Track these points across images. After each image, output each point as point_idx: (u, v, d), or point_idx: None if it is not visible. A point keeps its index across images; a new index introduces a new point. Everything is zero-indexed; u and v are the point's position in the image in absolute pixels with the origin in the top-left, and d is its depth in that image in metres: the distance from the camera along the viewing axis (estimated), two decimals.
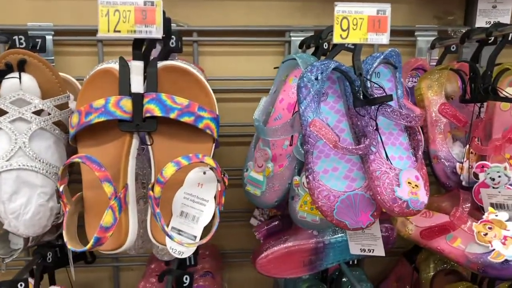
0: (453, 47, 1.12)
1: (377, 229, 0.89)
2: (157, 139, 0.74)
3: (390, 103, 0.76)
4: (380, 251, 0.91)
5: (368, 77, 0.77)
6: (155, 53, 0.99)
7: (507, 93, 0.91)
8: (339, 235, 0.96)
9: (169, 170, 0.68)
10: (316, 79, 0.74)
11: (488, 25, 1.05)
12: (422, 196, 0.74)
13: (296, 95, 0.77)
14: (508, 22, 1.09)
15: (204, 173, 0.74)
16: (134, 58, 0.72)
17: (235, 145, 1.18)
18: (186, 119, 0.72)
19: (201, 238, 0.73)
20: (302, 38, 1.09)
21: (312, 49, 1.02)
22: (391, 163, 0.75)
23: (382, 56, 0.79)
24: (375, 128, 0.76)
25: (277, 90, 0.96)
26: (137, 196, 0.81)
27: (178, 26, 1.11)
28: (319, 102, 0.76)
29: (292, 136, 0.89)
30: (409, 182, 0.73)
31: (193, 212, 0.73)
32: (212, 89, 1.12)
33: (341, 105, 0.80)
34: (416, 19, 1.19)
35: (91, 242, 0.66)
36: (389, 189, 0.72)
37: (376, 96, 0.75)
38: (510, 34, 0.91)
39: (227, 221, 1.21)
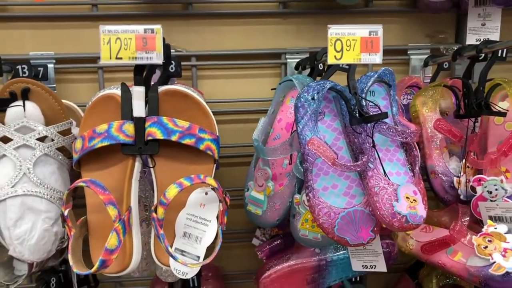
0: (445, 64, 1.15)
1: (378, 245, 0.90)
2: (159, 162, 0.75)
3: (385, 120, 0.78)
4: (382, 267, 0.92)
5: (363, 95, 0.79)
6: (155, 78, 1.03)
7: (500, 107, 0.93)
8: (341, 252, 0.96)
9: (172, 191, 0.69)
10: (313, 99, 0.76)
11: (478, 42, 1.09)
12: (421, 210, 0.75)
13: (294, 114, 0.79)
14: (498, 39, 1.12)
15: (206, 193, 0.76)
16: (136, 84, 0.74)
17: (235, 166, 1.19)
18: (188, 141, 0.73)
19: (204, 259, 0.74)
20: (298, 60, 1.12)
21: (307, 70, 1.05)
22: (389, 179, 0.77)
23: (376, 75, 0.81)
24: (372, 145, 0.77)
25: (275, 111, 0.98)
26: (140, 218, 0.82)
27: (177, 51, 1.13)
28: (316, 121, 0.78)
29: (291, 155, 0.91)
30: (407, 197, 0.75)
31: (196, 233, 0.75)
32: (212, 112, 1.16)
33: (338, 124, 0.82)
34: (408, 38, 1.22)
35: (97, 264, 0.67)
36: (388, 204, 0.74)
37: (371, 114, 0.77)
38: (499, 51, 0.93)
39: (228, 242, 1.22)
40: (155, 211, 0.71)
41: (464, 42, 1.19)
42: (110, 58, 0.70)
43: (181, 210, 0.76)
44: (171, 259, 0.72)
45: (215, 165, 0.78)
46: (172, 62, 0.99)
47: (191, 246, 0.74)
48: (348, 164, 0.74)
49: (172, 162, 0.76)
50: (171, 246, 0.75)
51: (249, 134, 0.97)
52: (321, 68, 1.02)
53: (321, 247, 0.94)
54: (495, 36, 1.10)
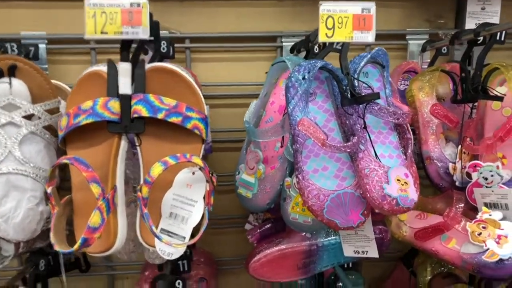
0: (444, 49, 1.12)
1: (370, 231, 0.88)
2: (146, 140, 0.74)
3: (378, 101, 0.77)
4: (374, 253, 0.91)
5: (356, 76, 0.78)
6: (147, 59, 1.01)
7: (498, 92, 0.91)
8: (333, 237, 0.95)
9: (156, 169, 0.68)
10: (304, 78, 0.74)
11: (474, 28, 1.06)
12: (412, 194, 0.73)
13: (285, 95, 0.77)
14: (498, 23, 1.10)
15: (193, 173, 0.74)
16: (122, 60, 0.72)
17: (228, 151, 1.18)
18: (174, 119, 0.72)
19: (190, 239, 0.73)
20: (292, 44, 1.10)
21: (303, 54, 1.03)
22: (380, 161, 0.75)
23: (369, 55, 0.79)
24: (363, 126, 0.76)
25: (268, 93, 0.97)
26: (128, 199, 0.81)
27: (170, 33, 1.12)
28: (307, 101, 0.76)
29: (283, 138, 0.89)
30: (398, 180, 0.73)
31: (182, 213, 0.73)
32: (205, 95, 1.13)
33: (329, 105, 0.80)
34: (407, 23, 1.20)
35: (78, 242, 0.66)
36: (378, 186, 0.72)
37: (364, 94, 0.75)
38: (498, 34, 0.91)
39: (221, 227, 1.21)
40: (141, 190, 0.70)
41: (464, 28, 1.17)
42: (95, 32, 0.68)
43: (167, 190, 0.74)
44: (156, 239, 0.71)
45: (203, 145, 0.76)
46: (163, 42, 0.97)
47: (177, 226, 0.73)
48: (338, 145, 0.73)
49: (158, 141, 0.74)
50: (157, 227, 0.73)
51: (243, 118, 0.96)
52: (316, 51, 1.00)
53: (312, 231, 0.93)
54: (494, 20, 1.08)
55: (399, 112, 0.77)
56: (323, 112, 0.80)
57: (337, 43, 0.79)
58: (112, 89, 0.72)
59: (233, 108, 1.18)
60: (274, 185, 0.88)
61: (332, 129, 0.79)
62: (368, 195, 0.73)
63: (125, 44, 0.71)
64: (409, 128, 0.81)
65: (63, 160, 0.69)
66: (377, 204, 0.72)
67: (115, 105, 0.71)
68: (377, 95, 0.73)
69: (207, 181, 0.73)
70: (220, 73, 1.16)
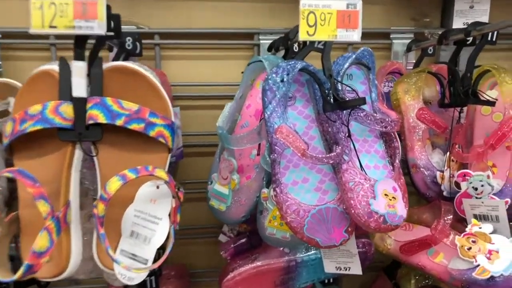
0: (430, 50, 1.06)
1: (353, 245, 0.81)
2: (103, 150, 0.65)
3: (363, 107, 0.70)
4: (357, 269, 0.84)
5: (339, 78, 0.70)
6: (111, 56, 0.92)
7: (489, 96, 0.85)
8: (312, 252, 0.88)
9: (113, 185, 0.59)
10: (282, 81, 0.67)
11: (465, 26, 1.01)
12: (401, 210, 0.67)
13: (261, 99, 0.69)
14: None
15: (158, 187, 0.66)
16: (76, 58, 0.63)
17: (201, 156, 1.10)
18: (135, 126, 0.63)
19: (154, 262, 0.65)
20: (270, 42, 1.02)
21: (282, 53, 0.96)
22: (365, 173, 0.68)
23: (354, 56, 0.72)
24: (347, 134, 0.69)
25: (244, 95, 0.89)
26: (88, 213, 0.73)
27: (138, 28, 1.02)
28: (286, 106, 0.68)
29: (259, 145, 0.82)
30: (385, 194, 0.66)
31: (145, 232, 0.65)
32: (176, 96, 1.06)
33: (310, 110, 0.73)
34: (391, 21, 1.13)
35: (22, 269, 0.57)
36: (363, 202, 0.65)
37: (348, 99, 0.68)
38: (490, 34, 0.85)
39: (194, 238, 1.14)
40: (96, 206, 0.61)
41: (450, 27, 1.11)
42: (43, 26, 0.59)
43: (128, 205, 0.66)
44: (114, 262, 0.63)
45: (169, 154, 0.68)
46: (129, 38, 0.88)
47: (139, 247, 0.65)
48: (320, 156, 0.65)
49: (117, 151, 0.66)
50: (116, 248, 0.65)
51: (216, 121, 0.88)
52: (296, 50, 0.93)
53: (291, 247, 0.86)
54: (483, 19, 1.02)
55: (387, 119, 0.70)
56: (303, 118, 0.72)
57: (319, 42, 0.72)
58: (64, 91, 0.63)
59: (206, 110, 1.10)
60: (249, 197, 0.80)
61: (313, 137, 0.72)
62: (353, 211, 0.66)
63: (80, 40, 0.62)
64: (397, 136, 0.74)
65: (4, 173, 0.60)
66: (363, 222, 0.65)
67: (67, 109, 0.62)
68: (363, 100, 0.66)
69: (173, 197, 0.65)
70: (193, 72, 1.08)
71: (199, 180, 1.08)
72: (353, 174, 0.67)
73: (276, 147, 0.67)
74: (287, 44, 0.89)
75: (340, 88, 0.71)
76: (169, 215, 0.65)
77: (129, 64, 0.66)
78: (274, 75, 0.67)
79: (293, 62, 0.67)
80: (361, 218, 0.65)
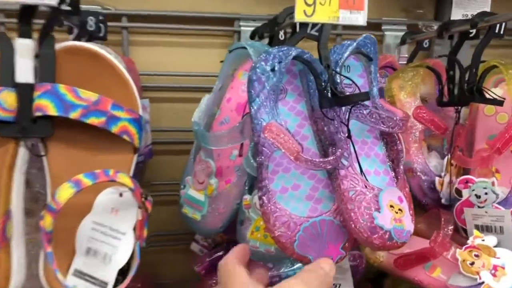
0: (425, 43, 0.98)
1: (345, 260, 0.72)
2: (54, 148, 0.53)
3: (366, 103, 0.60)
4: (348, 285, 0.75)
5: (338, 69, 0.60)
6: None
7: (495, 94, 0.77)
8: (298, 265, 0.77)
9: (64, 193, 0.48)
10: (273, 70, 0.56)
11: (465, 18, 0.93)
12: (408, 224, 0.57)
13: (247, 91, 0.59)
14: None
15: (120, 195, 0.54)
16: (21, 35, 0.51)
17: (172, 154, 0.99)
18: (94, 120, 0.52)
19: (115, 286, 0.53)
20: (254, 28, 0.91)
21: (266, 41, 0.85)
22: (367, 181, 0.59)
23: (354, 44, 0.62)
24: (346, 135, 0.59)
25: (223, 87, 0.78)
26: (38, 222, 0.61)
27: (104, 9, 0.90)
28: (276, 101, 0.58)
29: (242, 144, 0.71)
30: (391, 206, 0.57)
31: (104, 249, 0.54)
32: (145, 87, 0.94)
33: (303, 106, 0.62)
34: (381, 11, 1.05)
35: None
36: (366, 215, 0.55)
37: (349, 94, 0.59)
38: (497, 26, 0.77)
39: (164, 245, 1.02)
40: (43, 219, 0.49)
41: (445, 19, 1.03)
42: None
43: (84, 216, 0.54)
44: None
45: (135, 155, 0.57)
46: (92, 18, 0.76)
47: (97, 267, 0.53)
48: (316, 160, 0.55)
49: (72, 150, 0.54)
50: (68, 268, 0.53)
51: (190, 116, 0.77)
52: (282, 38, 0.83)
53: (275, 261, 0.75)
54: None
55: (394, 118, 0.60)
56: (294, 114, 0.62)
57: (313, 27, 0.62)
58: (5, 75, 0.51)
59: (179, 103, 0.99)
60: (229, 204, 0.70)
61: (305, 137, 0.62)
62: (353, 225, 0.56)
63: (25, 13, 0.50)
64: (401, 138, 0.65)
65: None
66: (365, 238, 0.55)
67: (8, 98, 0.50)
68: (366, 96, 0.57)
69: (139, 207, 0.54)
70: (164, 60, 0.96)
71: (169, 181, 0.97)
72: (353, 181, 0.57)
73: (263, 148, 0.57)
74: (273, 31, 0.78)
75: (338, 80, 0.61)
76: (134, 229, 0.54)
77: (88, 44, 0.55)
78: (263, 63, 0.57)
79: (286, 48, 0.57)
80: (363, 233, 0.55)
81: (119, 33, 0.92)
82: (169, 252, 1.04)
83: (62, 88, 0.51)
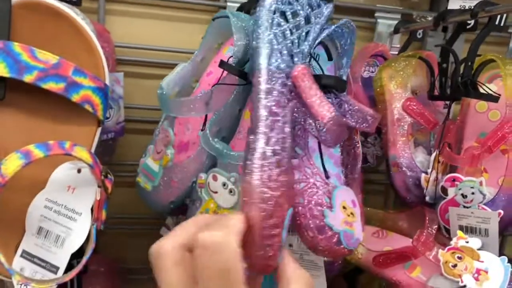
0: (419, 33, 0.94)
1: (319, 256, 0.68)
2: (5, 115, 0.48)
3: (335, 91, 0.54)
4: (321, 284, 0.70)
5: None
6: None
7: (490, 90, 0.73)
8: None
9: (12, 164, 0.42)
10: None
11: (462, 8, 0.89)
12: (358, 231, 0.52)
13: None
14: None
15: (79, 171, 0.49)
16: None
17: (145, 134, 0.92)
18: (52, 85, 0.46)
19: (65, 271, 0.48)
20: (240, 4, 0.85)
21: None
22: (326, 174, 0.53)
23: (331, 29, 0.56)
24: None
25: (206, 59, 0.72)
26: None
27: None
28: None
29: (205, 118, 0.66)
30: (344, 207, 0.51)
31: (57, 230, 0.48)
32: (120, 60, 0.87)
33: None
34: None
35: None
36: (316, 211, 0.50)
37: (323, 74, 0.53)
38: (498, 17, 0.73)
39: (132, 228, 0.97)
40: None
41: (440, 10, 0.99)
42: None
43: (37, 192, 0.49)
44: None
45: (98, 128, 0.51)
46: None
47: (48, 250, 0.48)
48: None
49: (25, 118, 0.48)
50: (16, 248, 0.48)
51: None
52: None
53: None
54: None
55: (364, 113, 0.55)
56: None
57: None
58: None
59: (156, 80, 0.92)
60: (184, 179, 0.63)
61: None
62: (299, 221, 0.50)
63: None
64: (359, 141, 0.60)
65: None
66: (310, 238, 0.49)
67: None
68: (343, 83, 0.51)
69: (98, 186, 0.48)
70: (143, 33, 0.90)
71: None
72: (307, 173, 0.51)
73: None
74: None
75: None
76: (92, 209, 0.49)
77: (51, 0, 0.48)
78: None
79: None
80: (309, 232, 0.50)
81: (95, 0, 0.85)
82: (137, 236, 0.98)
83: (17, 47, 0.45)
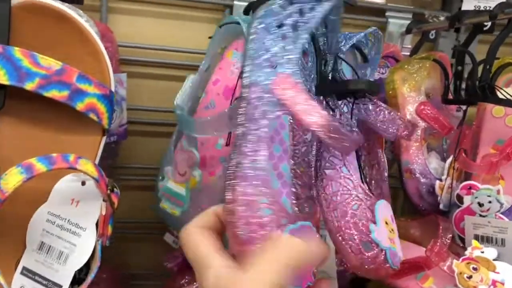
0: (432, 34, 0.91)
1: (332, 266, 0.65)
2: (5, 125, 0.45)
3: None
4: None
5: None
6: None
7: (508, 94, 0.70)
8: None
9: (12, 179, 0.39)
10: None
11: (477, 9, 0.86)
12: (399, 248, 0.50)
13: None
14: None
15: (83, 183, 0.46)
16: None
17: (149, 136, 0.90)
18: (55, 93, 0.43)
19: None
20: (248, 3, 0.83)
21: None
22: (368, 187, 0.51)
23: (355, 38, 0.53)
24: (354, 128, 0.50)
25: (210, 67, 0.70)
26: None
27: None
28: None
29: (230, 133, 0.63)
30: (386, 223, 0.49)
31: (60, 246, 0.45)
32: (123, 60, 0.85)
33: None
34: None
35: None
36: (362, 226, 0.47)
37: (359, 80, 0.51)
38: None
39: (135, 233, 0.94)
40: None
41: (453, 11, 0.96)
42: None
43: (39, 205, 0.46)
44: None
45: (103, 137, 0.48)
46: None
47: (50, 267, 0.45)
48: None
49: (27, 128, 0.45)
50: (16, 265, 0.45)
51: (173, 95, 0.68)
52: None
53: None
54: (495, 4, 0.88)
55: (397, 120, 0.52)
56: None
57: None
58: None
59: (160, 81, 0.90)
60: (213, 200, 0.61)
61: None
62: (341, 237, 0.47)
63: None
64: (384, 155, 0.57)
65: None
66: (354, 255, 0.47)
67: None
68: (377, 87, 0.49)
69: (103, 200, 0.46)
70: (147, 32, 0.87)
71: (144, 165, 0.89)
72: (347, 184, 0.49)
73: None
74: None
75: (340, 68, 0.53)
76: (97, 224, 0.46)
77: (53, 2, 0.46)
78: None
79: None
80: (354, 249, 0.47)
81: None
82: (140, 241, 0.96)
83: (17, 52, 0.42)
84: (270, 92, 0.40)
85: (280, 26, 0.42)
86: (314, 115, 0.39)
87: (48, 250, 0.46)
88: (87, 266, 0.46)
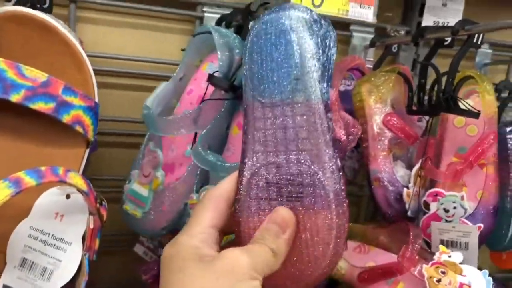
0: (394, 48, 0.95)
1: None
2: None
3: None
4: None
5: None
6: None
7: (469, 105, 0.75)
8: None
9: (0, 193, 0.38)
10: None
11: (436, 25, 0.91)
12: None
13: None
14: None
15: (68, 196, 0.45)
16: None
17: (119, 147, 0.89)
18: (41, 105, 0.42)
19: None
20: (219, 16, 0.83)
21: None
22: None
23: None
24: None
25: (185, 78, 0.70)
26: None
27: None
28: None
29: (194, 136, 0.63)
30: None
31: (44, 262, 0.44)
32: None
33: None
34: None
35: None
36: None
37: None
38: (476, 36, 0.75)
39: (105, 246, 0.91)
40: None
41: (412, 25, 1.01)
42: None
43: (20, 220, 0.44)
44: None
45: (87, 149, 0.47)
46: None
47: (33, 283, 0.44)
48: None
49: (11, 140, 0.44)
50: None
51: (141, 106, 0.68)
52: None
53: None
54: (456, 20, 0.92)
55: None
56: None
57: None
58: None
59: (130, 91, 0.89)
60: (175, 203, 0.61)
61: None
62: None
63: None
64: None
65: None
66: None
67: None
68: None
69: (91, 213, 0.45)
70: (116, 42, 0.86)
71: (113, 176, 0.87)
72: None
73: None
74: (246, 20, 0.71)
75: None
76: (83, 238, 0.45)
77: (37, 13, 0.45)
78: None
79: None
80: None
81: (66, 7, 0.81)
82: (108, 255, 0.93)
83: (1, 63, 0.41)
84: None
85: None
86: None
87: (31, 266, 0.44)
88: (72, 282, 0.45)
